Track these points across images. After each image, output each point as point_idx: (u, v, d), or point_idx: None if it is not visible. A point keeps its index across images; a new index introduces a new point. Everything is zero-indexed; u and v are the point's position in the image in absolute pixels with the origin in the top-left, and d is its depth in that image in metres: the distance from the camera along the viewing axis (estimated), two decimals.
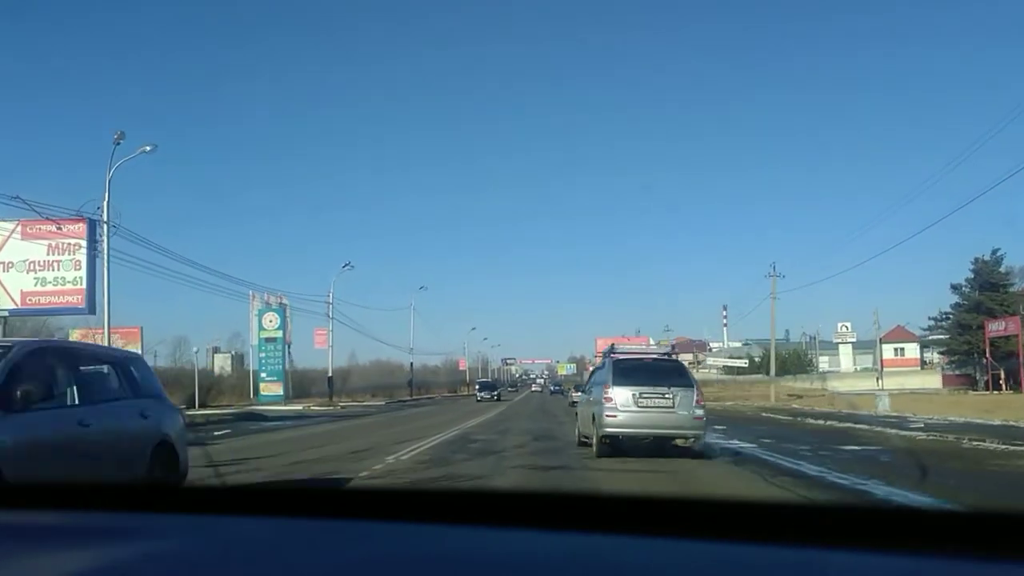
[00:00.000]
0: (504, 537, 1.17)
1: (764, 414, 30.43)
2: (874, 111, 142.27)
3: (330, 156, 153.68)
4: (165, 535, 1.27)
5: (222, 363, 71.41)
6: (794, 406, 35.25)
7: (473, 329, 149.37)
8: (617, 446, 12.41)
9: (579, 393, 19.30)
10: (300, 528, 1.25)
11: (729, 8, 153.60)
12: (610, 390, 12.19)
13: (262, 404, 46.14)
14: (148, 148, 26.71)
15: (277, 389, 48.35)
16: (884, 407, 27.89)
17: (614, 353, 13.83)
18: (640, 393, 12.16)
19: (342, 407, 46.11)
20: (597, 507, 1.23)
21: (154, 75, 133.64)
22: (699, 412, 12.19)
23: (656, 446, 12.51)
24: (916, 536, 1.02)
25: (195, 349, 50.71)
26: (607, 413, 12.07)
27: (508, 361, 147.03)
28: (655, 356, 14.34)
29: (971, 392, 50.27)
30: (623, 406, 12.07)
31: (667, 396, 12.16)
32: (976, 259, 61.18)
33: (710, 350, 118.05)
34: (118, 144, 25.41)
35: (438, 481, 9.96)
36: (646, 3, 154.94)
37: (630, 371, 12.69)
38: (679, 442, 12.54)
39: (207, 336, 71.10)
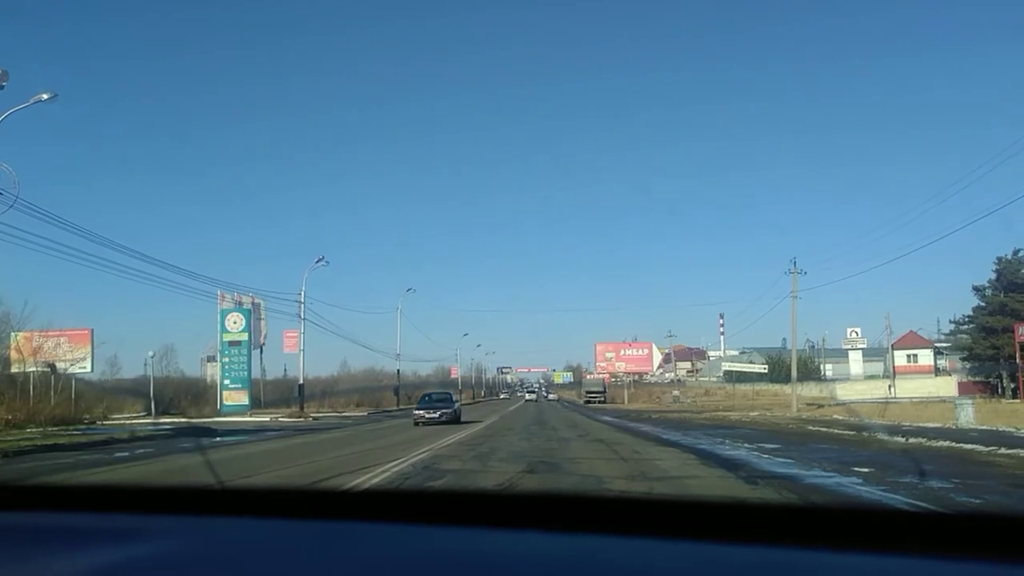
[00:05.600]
0: (500, 538, 1.20)
1: (810, 427, 25.10)
2: (872, 116, 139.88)
3: (326, 160, 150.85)
4: (164, 536, 1.28)
5: (213, 372, 67.97)
6: (836, 417, 30.52)
7: (465, 335, 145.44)
8: None
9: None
10: (298, 529, 1.29)
11: (729, 9, 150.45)
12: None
13: (225, 415, 41.74)
14: (46, 96, 22.27)
15: (242, 398, 43.72)
16: (968, 419, 22.99)
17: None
18: None
19: (314, 418, 41.62)
20: (593, 508, 1.27)
21: (151, 77, 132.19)
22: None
23: None
24: (908, 538, 1.07)
25: (151, 354, 46.03)
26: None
27: (504, 370, 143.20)
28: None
29: (1003, 400, 45.98)
30: None
31: None
32: (999, 259, 57.86)
33: (708, 358, 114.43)
34: (1, 87, 21.08)
35: None
36: (645, 5, 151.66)
37: None
38: None
39: (205, 343, 68.00)
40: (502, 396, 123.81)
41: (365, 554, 1.20)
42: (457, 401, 33.58)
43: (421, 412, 30.06)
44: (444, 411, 29.98)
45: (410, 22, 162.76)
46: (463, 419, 31.37)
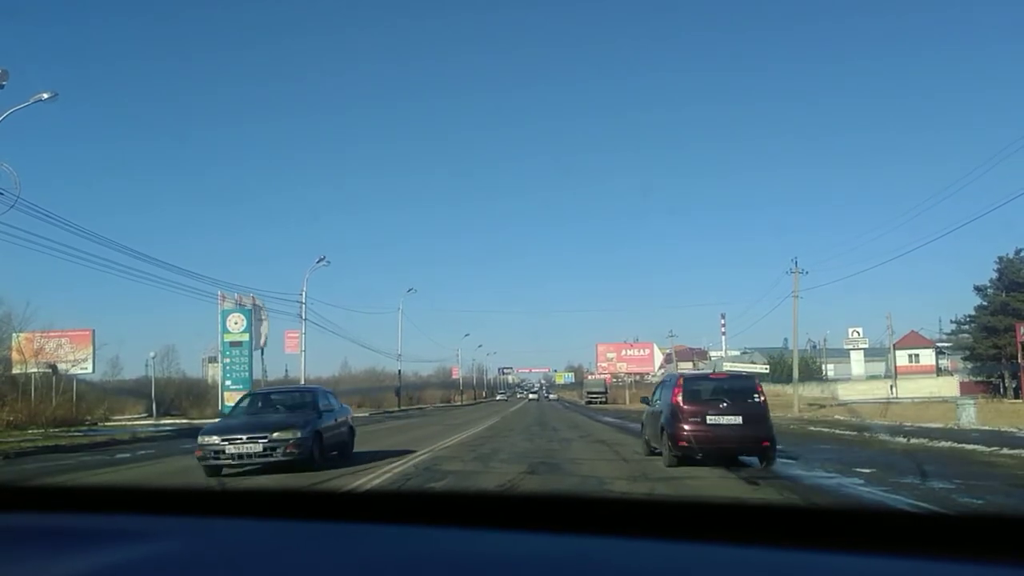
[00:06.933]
0: (502, 539, 1.20)
1: (812, 428, 24.87)
2: (872, 116, 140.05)
3: (326, 160, 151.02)
4: (165, 537, 1.28)
5: (214, 373, 68.05)
6: (837, 417, 30.51)
7: (467, 335, 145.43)
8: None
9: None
10: (300, 531, 1.29)
11: (728, 11, 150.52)
12: None
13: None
14: (46, 96, 22.14)
15: None
16: (969, 419, 22.92)
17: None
18: None
19: None
20: (595, 509, 1.27)
21: (151, 77, 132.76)
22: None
23: None
24: (910, 540, 1.07)
25: (152, 354, 46.04)
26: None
27: (505, 370, 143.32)
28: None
29: (1005, 400, 45.94)
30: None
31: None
32: (1000, 258, 57.79)
33: (709, 359, 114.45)
34: (1, 87, 21.02)
35: None
36: (644, 6, 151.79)
37: None
38: None
39: (206, 344, 68.44)
40: (498, 397, 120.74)
41: (366, 555, 1.20)
42: (337, 410, 15.46)
43: (215, 439, 12.24)
44: (282, 439, 12.18)
45: (410, 22, 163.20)
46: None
